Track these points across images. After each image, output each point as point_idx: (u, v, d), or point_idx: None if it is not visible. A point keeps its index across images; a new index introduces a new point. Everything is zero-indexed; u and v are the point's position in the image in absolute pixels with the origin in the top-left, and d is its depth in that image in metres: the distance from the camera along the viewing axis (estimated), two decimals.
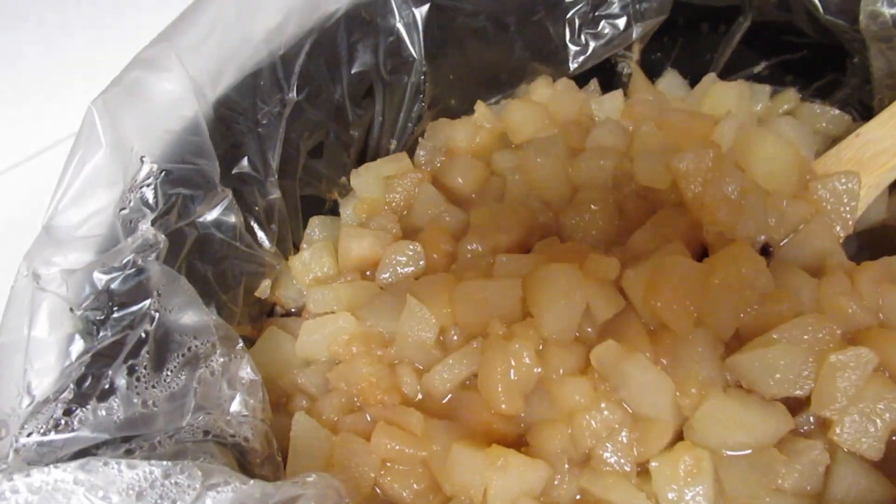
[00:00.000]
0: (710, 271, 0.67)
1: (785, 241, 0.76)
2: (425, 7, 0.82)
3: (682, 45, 0.93)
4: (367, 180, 0.85)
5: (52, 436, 0.48)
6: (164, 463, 0.45)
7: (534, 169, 0.82)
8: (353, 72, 0.81)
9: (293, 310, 0.82)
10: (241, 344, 0.58)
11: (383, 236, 0.80)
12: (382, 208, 0.84)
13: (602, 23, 0.88)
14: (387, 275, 0.78)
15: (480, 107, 0.91)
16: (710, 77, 0.88)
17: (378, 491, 0.66)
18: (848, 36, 0.80)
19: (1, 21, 1.26)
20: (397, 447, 0.65)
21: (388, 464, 0.66)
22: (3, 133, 1.17)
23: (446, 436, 0.66)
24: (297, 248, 0.81)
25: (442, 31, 0.84)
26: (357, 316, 0.73)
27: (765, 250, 0.76)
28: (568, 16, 0.88)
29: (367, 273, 0.81)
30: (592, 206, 0.77)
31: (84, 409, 0.49)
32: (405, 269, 0.78)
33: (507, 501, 0.62)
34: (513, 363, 0.65)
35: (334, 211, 0.87)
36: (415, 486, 0.65)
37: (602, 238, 0.76)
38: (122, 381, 0.50)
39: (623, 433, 0.64)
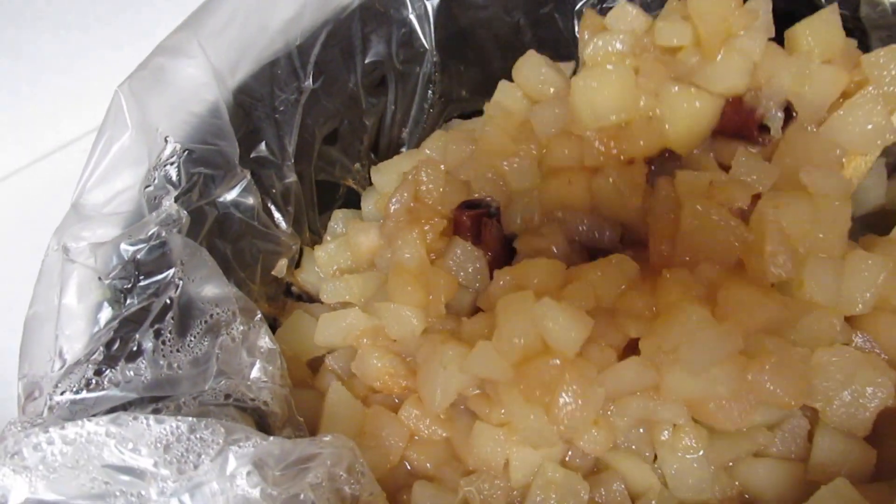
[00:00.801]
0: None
1: (812, 125, 0.72)
2: None
3: None
4: (387, 177, 0.87)
5: (84, 394, 0.50)
6: (190, 419, 0.48)
7: None
8: (366, 62, 0.84)
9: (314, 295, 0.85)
10: (259, 315, 0.61)
11: None
12: None
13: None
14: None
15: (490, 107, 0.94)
16: None
17: (405, 462, 0.68)
18: (849, 25, 0.81)
19: (20, 20, 1.28)
20: (423, 420, 0.67)
21: (416, 437, 0.68)
22: (21, 130, 1.19)
23: (468, 417, 0.68)
24: (312, 231, 0.84)
25: (453, 22, 0.87)
26: (366, 310, 0.75)
27: (787, 113, 0.73)
28: (576, 8, 0.90)
29: None
30: (609, 67, 0.74)
31: (113, 369, 0.52)
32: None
33: (528, 471, 0.64)
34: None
35: (348, 197, 0.89)
36: (439, 458, 0.68)
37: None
38: (148, 344, 0.53)
39: (640, 430, 0.66)
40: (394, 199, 0.78)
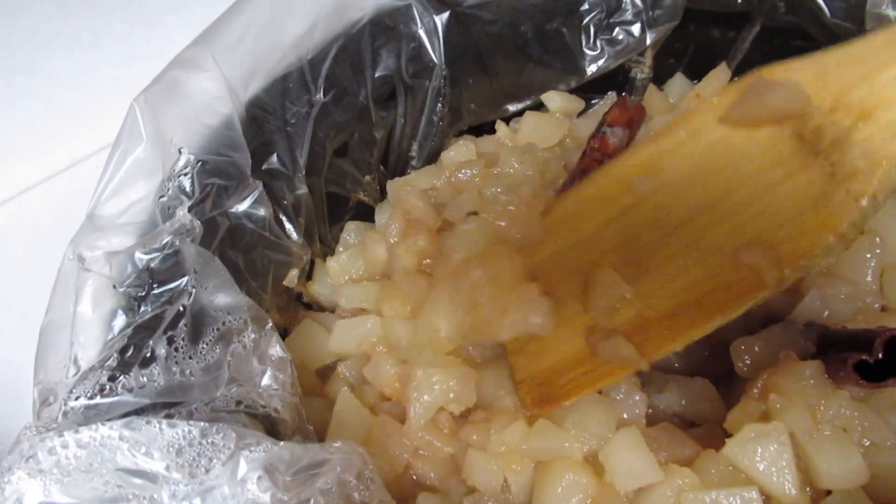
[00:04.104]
0: None
1: None
2: (446, 14, 0.86)
3: (693, 51, 0.96)
4: (403, 192, 0.88)
5: (98, 399, 0.51)
6: (202, 424, 0.48)
7: None
8: (376, 76, 0.85)
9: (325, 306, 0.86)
10: (270, 324, 0.61)
11: None
12: None
13: (616, 29, 0.92)
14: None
15: (501, 126, 0.95)
16: (721, 68, 0.91)
17: (411, 472, 0.69)
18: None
19: (35, 39, 1.30)
20: (429, 438, 0.68)
21: (420, 451, 0.69)
22: (35, 147, 1.21)
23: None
24: (322, 243, 0.85)
25: (462, 37, 0.88)
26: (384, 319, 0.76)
27: None
28: (584, 23, 0.91)
29: None
30: None
31: (127, 375, 0.52)
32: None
33: (529, 491, 0.65)
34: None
35: (359, 209, 0.90)
36: (443, 470, 0.69)
37: None
38: (161, 351, 0.54)
39: None
40: (391, 230, 0.80)
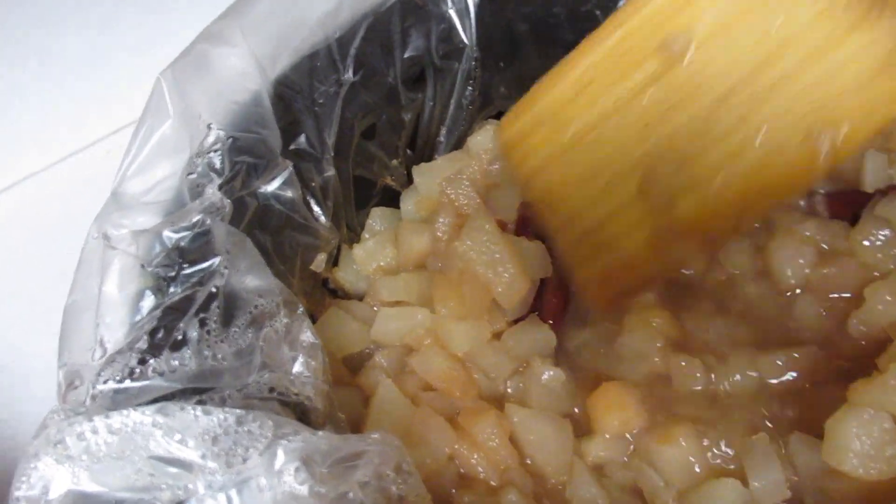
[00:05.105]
0: None
1: None
2: None
3: None
4: (429, 178, 0.86)
5: (128, 383, 0.49)
6: (238, 411, 0.46)
7: None
8: (405, 56, 0.83)
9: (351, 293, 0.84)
10: (301, 308, 0.59)
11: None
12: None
13: None
14: None
15: None
16: None
17: (453, 464, 0.67)
18: None
19: (49, 22, 1.28)
20: (477, 461, 0.66)
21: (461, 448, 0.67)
22: (47, 131, 1.19)
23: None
24: (349, 228, 0.83)
25: (493, 18, 0.86)
26: (433, 312, 0.74)
27: None
28: (619, 5, 0.89)
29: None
30: None
31: (157, 358, 0.50)
32: None
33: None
34: None
35: (385, 193, 0.88)
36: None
37: None
38: (193, 334, 0.51)
39: None
40: (440, 225, 0.78)
